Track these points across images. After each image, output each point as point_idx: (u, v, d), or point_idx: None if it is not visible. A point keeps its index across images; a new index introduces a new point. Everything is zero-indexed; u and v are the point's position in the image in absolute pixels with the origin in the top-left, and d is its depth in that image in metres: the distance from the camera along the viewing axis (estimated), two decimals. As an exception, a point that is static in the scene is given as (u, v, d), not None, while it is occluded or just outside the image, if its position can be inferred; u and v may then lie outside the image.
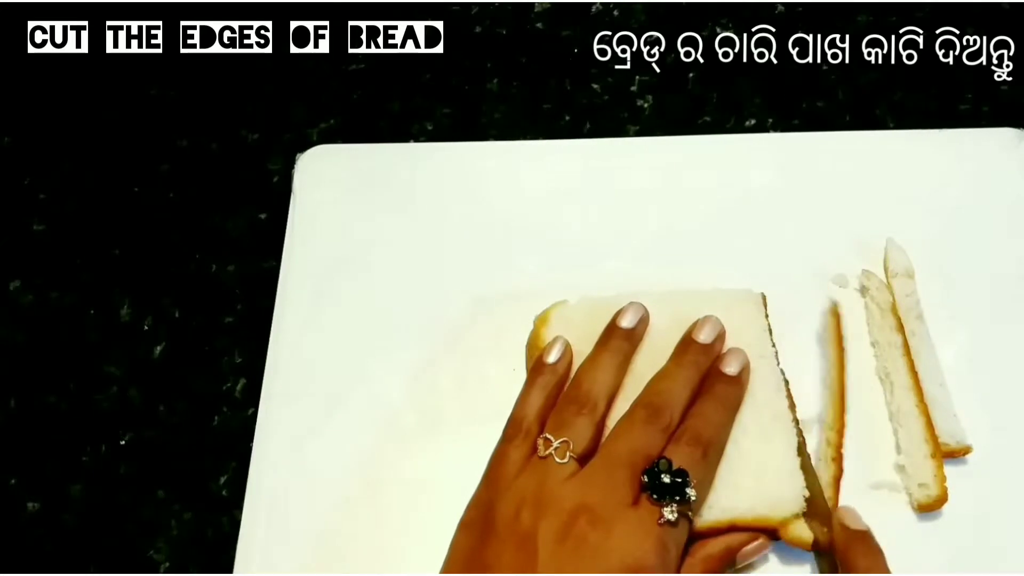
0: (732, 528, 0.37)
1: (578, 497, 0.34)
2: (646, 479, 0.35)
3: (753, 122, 0.53)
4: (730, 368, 0.39)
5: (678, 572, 0.35)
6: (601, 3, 0.58)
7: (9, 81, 0.56)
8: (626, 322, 0.41)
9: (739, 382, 0.39)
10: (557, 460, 0.35)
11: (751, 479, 0.38)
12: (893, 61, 0.55)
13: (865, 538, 0.36)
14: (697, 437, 0.36)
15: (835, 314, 0.44)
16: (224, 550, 0.41)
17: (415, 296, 0.46)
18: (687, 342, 0.40)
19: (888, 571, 0.36)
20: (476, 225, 0.48)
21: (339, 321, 0.46)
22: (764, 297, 0.44)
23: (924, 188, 0.49)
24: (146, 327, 0.48)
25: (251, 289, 0.48)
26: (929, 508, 0.39)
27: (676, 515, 0.34)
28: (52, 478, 0.44)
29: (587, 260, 0.47)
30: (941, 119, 0.53)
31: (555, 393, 0.39)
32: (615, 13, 0.58)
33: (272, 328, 0.46)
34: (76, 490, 0.44)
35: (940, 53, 0.55)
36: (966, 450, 0.40)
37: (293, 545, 0.40)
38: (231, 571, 0.40)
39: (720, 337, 0.41)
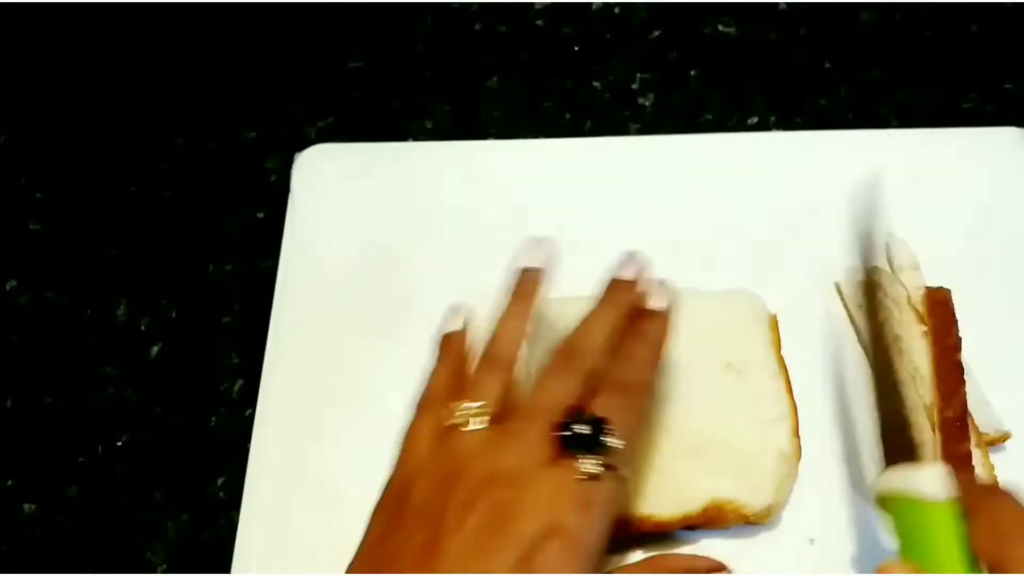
0: (713, 507, 0.38)
1: (488, 462, 0.31)
2: (559, 432, 0.31)
3: (755, 120, 0.53)
4: (653, 302, 0.36)
5: (608, 538, 0.31)
6: (602, 1, 0.58)
7: (6, 80, 0.56)
8: (531, 262, 0.37)
9: (663, 318, 0.36)
10: (468, 428, 0.32)
11: (743, 472, 0.38)
12: (896, 59, 0.55)
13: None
14: (618, 382, 0.33)
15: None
16: (221, 552, 0.41)
17: (414, 295, 0.46)
18: (608, 282, 0.37)
19: None
20: (475, 224, 0.48)
21: (337, 321, 0.46)
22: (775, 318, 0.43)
23: (927, 187, 0.48)
24: (142, 327, 0.47)
25: (248, 289, 0.48)
26: None
27: (599, 468, 0.30)
28: (49, 479, 0.44)
29: (588, 259, 0.46)
30: (945, 118, 0.52)
31: (463, 363, 0.36)
32: (616, 10, 0.57)
33: (270, 328, 0.45)
34: (73, 491, 0.43)
35: (943, 52, 0.55)
36: (1005, 436, 0.40)
37: (290, 547, 0.40)
38: (228, 573, 0.40)
39: (645, 270, 0.37)
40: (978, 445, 0.40)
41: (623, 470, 0.31)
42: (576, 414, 0.31)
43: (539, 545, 0.29)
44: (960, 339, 0.42)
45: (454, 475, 0.31)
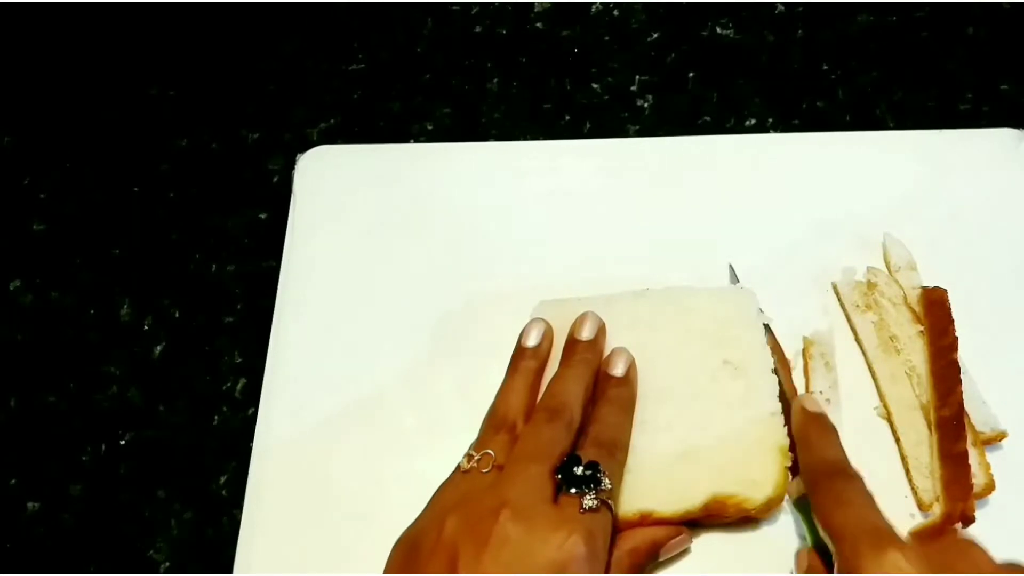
0: (714, 503, 0.38)
1: (497, 497, 0.34)
2: (560, 476, 0.35)
3: (753, 122, 0.53)
4: (616, 370, 0.40)
5: (608, 563, 0.36)
6: (601, 3, 0.58)
7: (10, 81, 0.56)
8: (530, 342, 0.42)
9: (628, 381, 0.40)
10: (481, 471, 0.36)
11: (743, 467, 0.39)
12: (893, 61, 0.55)
13: (820, 419, 0.38)
14: (598, 440, 0.37)
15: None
16: (224, 550, 0.41)
17: (415, 296, 0.46)
18: (571, 343, 0.41)
19: (841, 448, 0.37)
20: (476, 225, 0.48)
21: (339, 321, 0.46)
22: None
23: (924, 188, 0.49)
24: (146, 327, 0.48)
25: (251, 289, 0.48)
26: (978, 497, 0.39)
27: (596, 502, 0.34)
28: (52, 478, 0.44)
29: (587, 260, 0.47)
30: (941, 119, 0.53)
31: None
32: (615, 13, 0.58)
33: (272, 328, 0.46)
34: (76, 490, 0.44)
35: (940, 53, 0.55)
36: (1001, 435, 0.41)
37: (293, 545, 0.40)
38: (231, 571, 0.40)
39: (602, 331, 0.42)
40: (974, 444, 0.40)
41: (613, 506, 0.36)
42: (573, 458, 0.36)
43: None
44: (956, 338, 0.42)
45: (465, 510, 0.34)
